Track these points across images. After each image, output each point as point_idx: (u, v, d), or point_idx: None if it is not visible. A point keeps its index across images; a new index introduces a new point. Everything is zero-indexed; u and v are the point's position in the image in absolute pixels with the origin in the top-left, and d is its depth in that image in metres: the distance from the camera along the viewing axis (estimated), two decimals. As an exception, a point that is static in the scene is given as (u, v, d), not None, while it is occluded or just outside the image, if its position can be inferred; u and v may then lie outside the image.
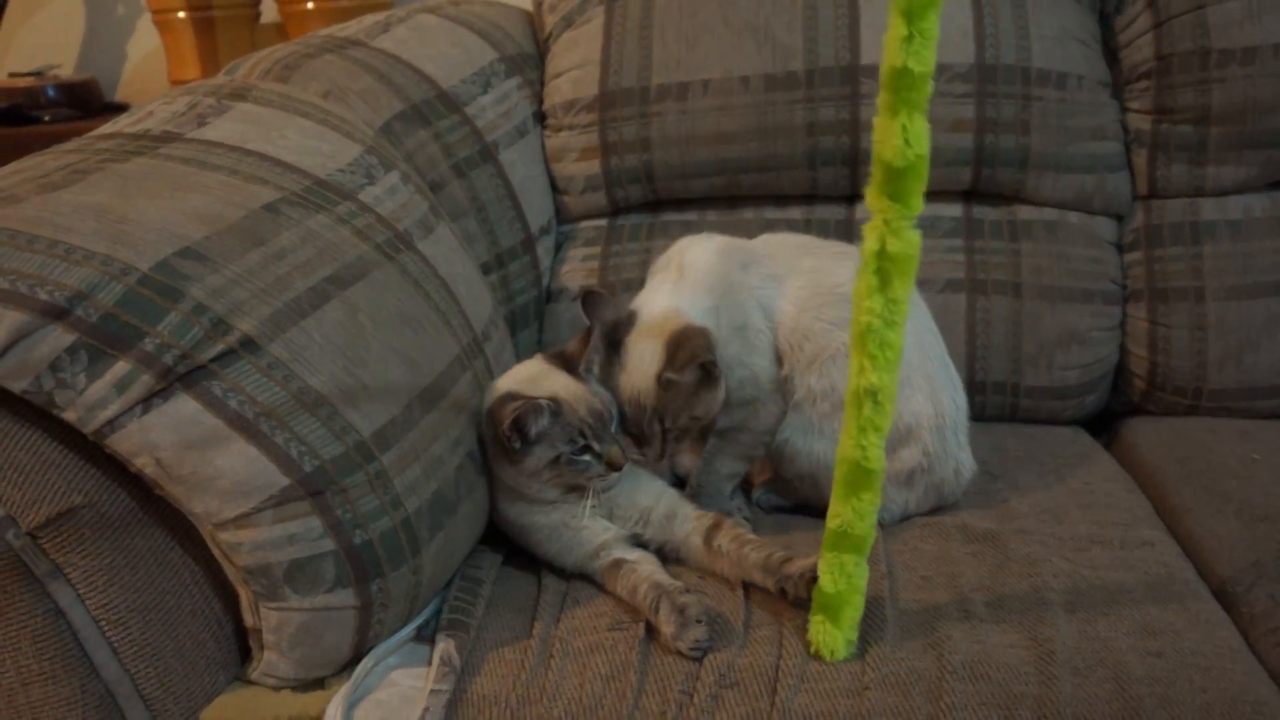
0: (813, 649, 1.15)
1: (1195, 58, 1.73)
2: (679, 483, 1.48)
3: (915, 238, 1.05)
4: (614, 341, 1.39)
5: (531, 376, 1.35)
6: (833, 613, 1.14)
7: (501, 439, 1.28)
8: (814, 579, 1.16)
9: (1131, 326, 1.78)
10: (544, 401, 1.27)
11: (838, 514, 1.12)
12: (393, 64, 1.72)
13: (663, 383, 1.34)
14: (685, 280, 1.42)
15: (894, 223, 1.04)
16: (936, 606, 1.22)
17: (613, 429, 1.33)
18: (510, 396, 1.30)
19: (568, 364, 1.36)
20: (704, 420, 1.40)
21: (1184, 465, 1.57)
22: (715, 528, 1.32)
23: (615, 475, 1.31)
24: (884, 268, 1.06)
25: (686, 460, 1.50)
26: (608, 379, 1.39)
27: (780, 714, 1.08)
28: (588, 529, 1.32)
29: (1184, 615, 1.21)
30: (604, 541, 1.32)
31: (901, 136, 1.01)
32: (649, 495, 1.37)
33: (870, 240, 1.06)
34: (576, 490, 1.31)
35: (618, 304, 1.44)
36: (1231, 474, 1.52)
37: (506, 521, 1.37)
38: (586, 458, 1.29)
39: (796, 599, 1.20)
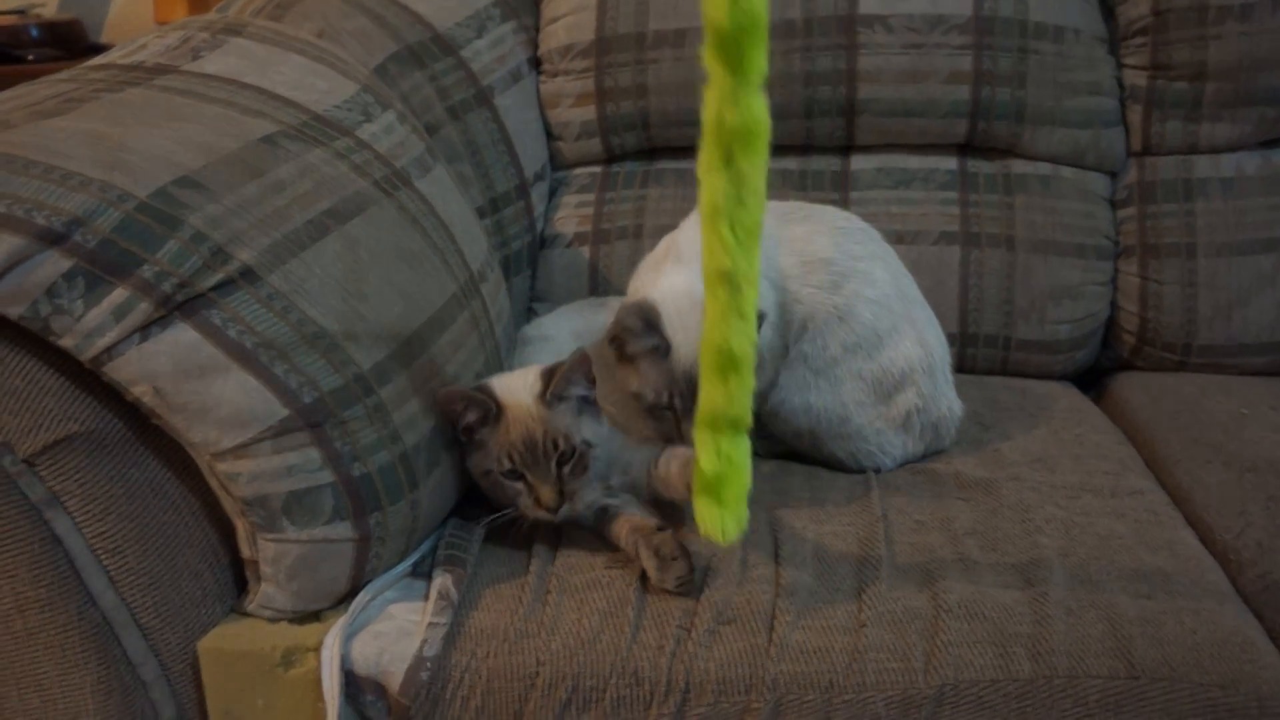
0: (703, 533, 1.10)
1: (1192, 13, 1.73)
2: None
3: (757, 108, 0.95)
4: (652, 327, 1.32)
5: (511, 381, 1.29)
6: (715, 493, 1.09)
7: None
8: (675, 558, 1.17)
9: (1123, 282, 1.79)
10: (476, 395, 1.23)
11: (709, 399, 1.07)
12: (387, 5, 1.70)
13: None
14: (683, 263, 1.38)
15: (731, 93, 0.94)
16: (931, 549, 1.23)
17: (557, 466, 1.23)
18: (478, 387, 1.26)
19: (550, 381, 1.26)
20: None
21: (1173, 419, 1.58)
22: (661, 453, 1.30)
23: (545, 515, 1.23)
24: (725, 142, 0.97)
25: None
26: (649, 370, 1.33)
27: (778, 649, 1.09)
28: None
29: (1174, 560, 1.22)
30: (591, 499, 1.30)
31: None
32: (634, 466, 1.34)
33: (708, 110, 0.96)
34: (515, 507, 1.25)
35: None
36: (1220, 428, 1.53)
37: (489, 497, 1.31)
38: (518, 484, 1.24)
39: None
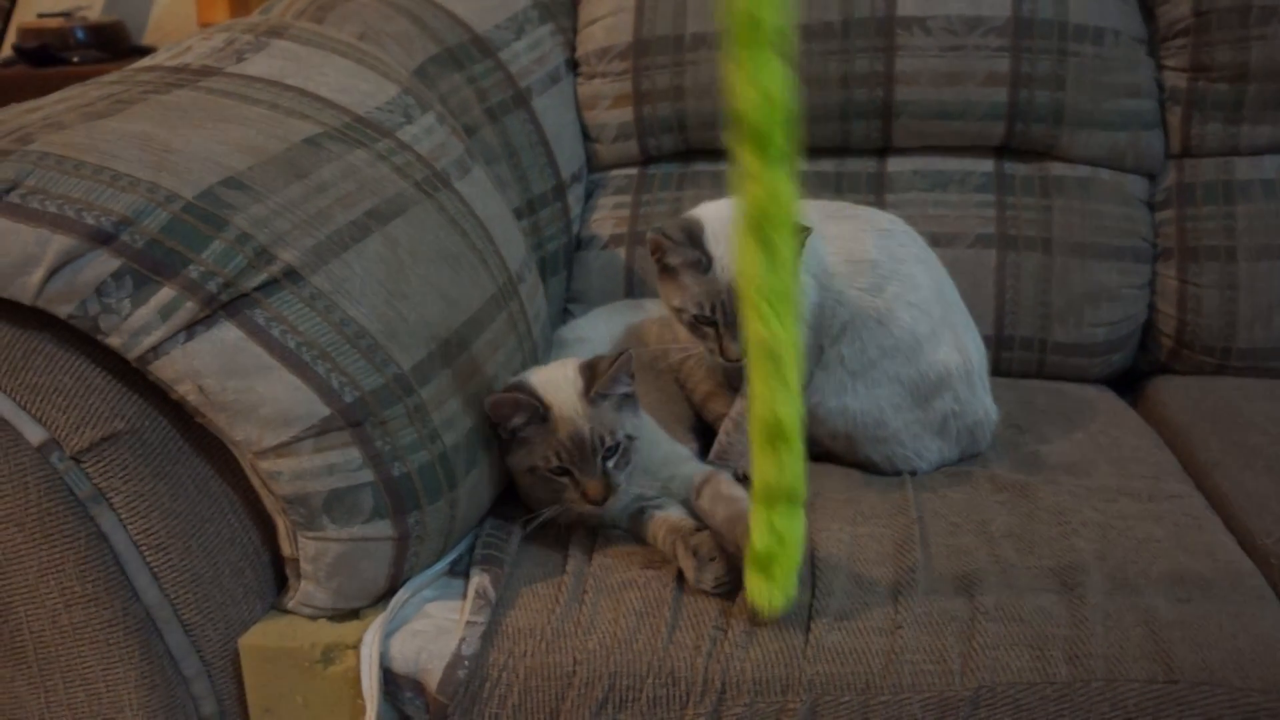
0: (750, 602, 1.11)
1: (1235, 14, 1.71)
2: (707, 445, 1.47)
3: (783, 188, 0.99)
4: (694, 241, 1.35)
5: (551, 377, 1.29)
6: (765, 569, 1.10)
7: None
8: (712, 558, 1.17)
9: (1161, 285, 1.78)
10: (527, 399, 1.24)
11: (761, 473, 1.08)
12: (426, 7, 1.72)
13: None
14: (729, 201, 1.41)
15: (758, 175, 0.99)
16: (967, 552, 1.23)
17: (602, 462, 1.24)
18: (517, 385, 1.28)
19: (593, 378, 1.27)
20: None
21: (1212, 423, 1.57)
22: (704, 483, 1.29)
23: (591, 509, 1.25)
24: (756, 220, 1.00)
25: None
26: (691, 284, 1.35)
27: (814, 650, 1.09)
28: None
29: (1213, 565, 1.22)
30: (629, 498, 1.30)
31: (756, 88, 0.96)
32: (663, 467, 1.34)
33: (739, 192, 1.01)
34: (558, 503, 1.27)
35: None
36: (1260, 431, 1.52)
37: (528, 493, 1.33)
38: (564, 480, 1.25)
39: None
